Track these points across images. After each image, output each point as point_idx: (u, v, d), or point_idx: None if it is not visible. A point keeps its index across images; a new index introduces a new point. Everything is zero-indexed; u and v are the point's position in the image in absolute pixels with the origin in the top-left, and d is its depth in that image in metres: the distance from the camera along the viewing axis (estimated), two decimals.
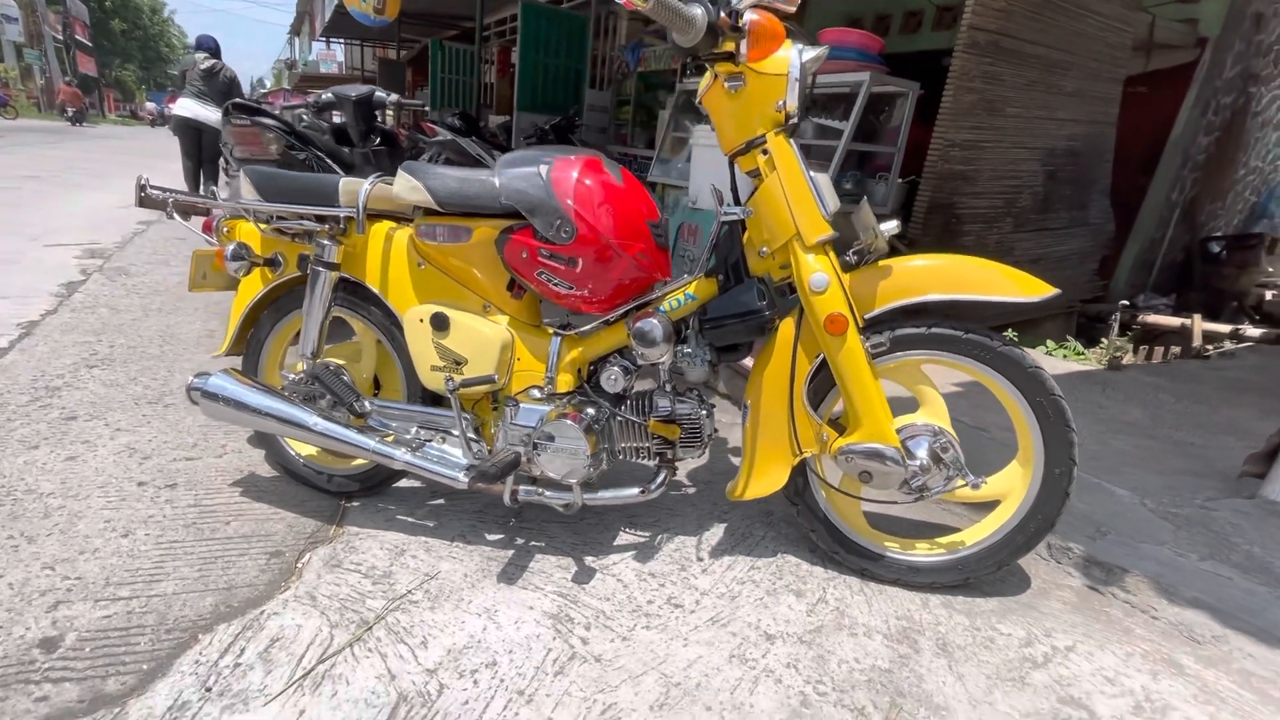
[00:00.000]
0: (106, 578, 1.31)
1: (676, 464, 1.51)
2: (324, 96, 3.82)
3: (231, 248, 1.55)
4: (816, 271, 1.30)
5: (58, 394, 2.06)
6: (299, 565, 1.44)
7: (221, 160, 6.36)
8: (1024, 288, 1.28)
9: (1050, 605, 1.42)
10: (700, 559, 1.52)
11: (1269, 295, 6.12)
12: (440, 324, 1.47)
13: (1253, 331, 4.76)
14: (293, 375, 1.62)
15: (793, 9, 1.21)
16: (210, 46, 6.07)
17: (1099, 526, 1.61)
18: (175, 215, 1.67)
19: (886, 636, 1.30)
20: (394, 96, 3.93)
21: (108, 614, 1.22)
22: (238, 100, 2.92)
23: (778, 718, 1.09)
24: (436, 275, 1.53)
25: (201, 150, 6.28)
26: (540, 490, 1.46)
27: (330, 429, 1.51)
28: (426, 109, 5.02)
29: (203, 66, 6.00)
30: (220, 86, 6.20)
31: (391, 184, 1.52)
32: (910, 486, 1.35)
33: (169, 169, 8.33)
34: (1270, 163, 6.43)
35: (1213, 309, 5.54)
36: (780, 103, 1.29)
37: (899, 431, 1.35)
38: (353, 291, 1.61)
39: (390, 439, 1.56)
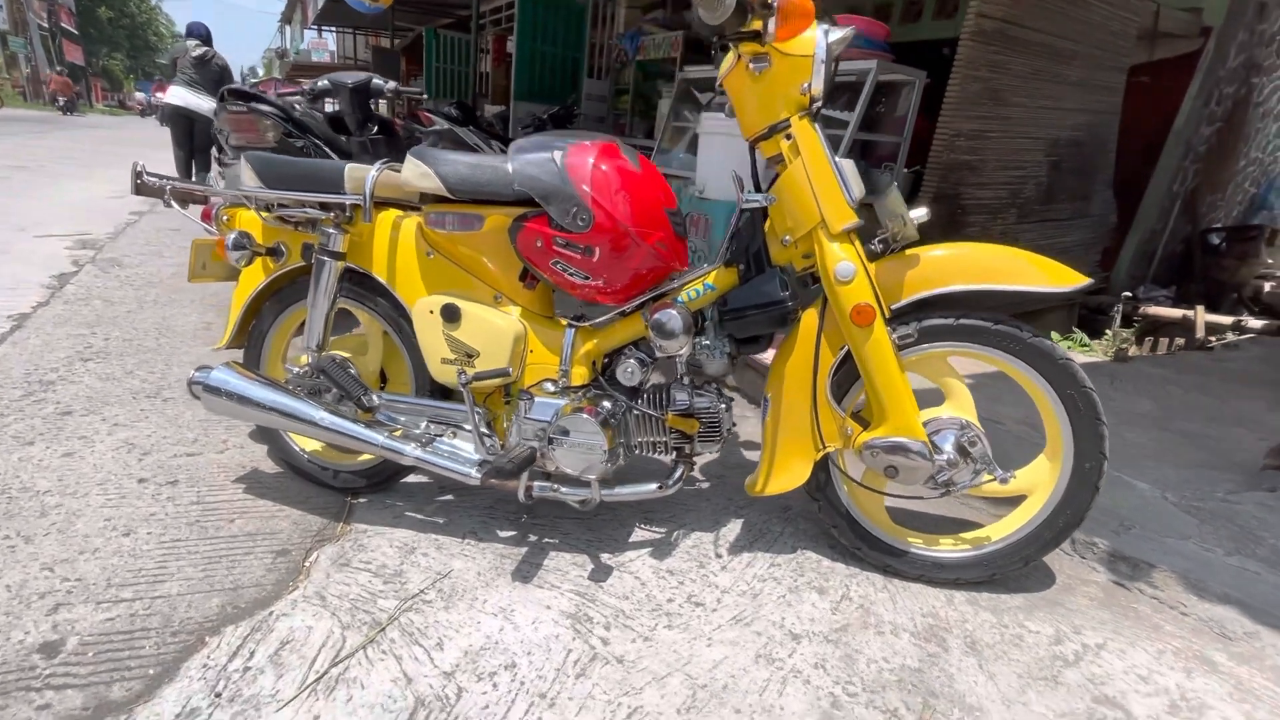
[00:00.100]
0: (108, 579, 1.27)
1: (694, 459, 1.47)
2: (319, 84, 3.74)
3: (232, 237, 1.50)
4: (842, 260, 1.26)
5: (52, 388, 2.00)
6: (306, 564, 1.40)
7: (214, 150, 6.27)
8: (1055, 277, 1.24)
9: (1077, 601, 1.39)
10: (719, 555, 1.49)
11: (1268, 287, 6.12)
12: (451, 316, 1.43)
13: (1254, 323, 4.76)
14: (297, 369, 1.57)
15: None
16: (201, 34, 5.96)
17: (1122, 521, 1.58)
18: (173, 203, 1.62)
19: (914, 634, 1.27)
20: (391, 84, 3.86)
21: (110, 616, 1.18)
22: (233, 86, 2.85)
23: None
24: (446, 265, 1.48)
25: (193, 140, 6.19)
26: (556, 486, 1.42)
27: (338, 424, 1.46)
28: (425, 96, 4.93)
29: (194, 54, 5.89)
30: (212, 74, 6.10)
31: (399, 170, 1.47)
32: (936, 481, 1.32)
33: (160, 159, 8.21)
34: (1270, 154, 6.42)
35: (1212, 300, 5.54)
36: (805, 85, 1.25)
37: (925, 425, 1.31)
38: (358, 282, 1.56)
39: (398, 434, 1.51)
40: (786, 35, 1.17)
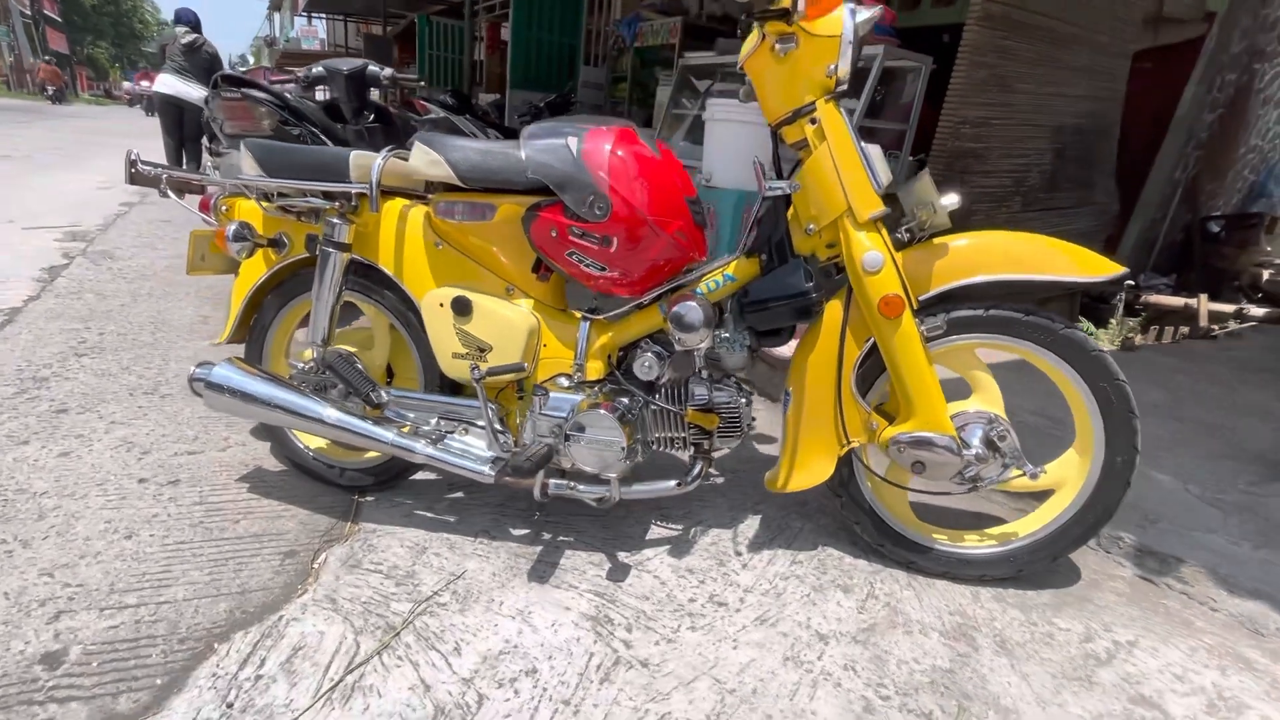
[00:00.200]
0: (111, 584, 1.22)
1: (713, 455, 1.43)
2: (314, 71, 3.66)
3: (233, 228, 1.44)
4: (869, 250, 1.22)
5: (46, 385, 1.94)
6: (315, 566, 1.36)
7: (205, 139, 6.15)
8: (1089, 266, 1.21)
9: (1105, 597, 1.37)
10: (739, 553, 1.46)
11: (1267, 275, 6.12)
12: (462, 309, 1.38)
13: (1256, 311, 4.75)
14: (302, 364, 1.52)
15: None
16: (190, 20, 5.84)
17: (1147, 514, 1.55)
18: (169, 192, 1.56)
19: (943, 634, 1.24)
20: (388, 71, 3.78)
21: (114, 624, 1.14)
22: (227, 73, 2.77)
23: None
24: (455, 256, 1.43)
25: (183, 128, 6.07)
26: (572, 484, 1.38)
27: (345, 421, 1.41)
28: (422, 84, 4.84)
29: (183, 41, 5.77)
30: (202, 62, 5.98)
31: (406, 157, 1.41)
32: (963, 477, 1.29)
33: (149, 149, 8.05)
34: (1270, 141, 6.39)
35: (1211, 288, 5.53)
36: (831, 67, 1.20)
37: (952, 419, 1.28)
38: (364, 274, 1.51)
39: (408, 430, 1.47)
40: (816, 14, 1.12)
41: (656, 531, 1.53)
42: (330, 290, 1.45)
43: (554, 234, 1.31)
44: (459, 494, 1.64)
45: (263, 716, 0.99)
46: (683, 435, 1.40)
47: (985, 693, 1.11)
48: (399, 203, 1.47)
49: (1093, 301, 5.18)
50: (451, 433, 1.48)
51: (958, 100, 3.85)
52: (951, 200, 1.23)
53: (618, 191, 1.26)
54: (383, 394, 1.48)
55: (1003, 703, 1.09)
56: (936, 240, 1.27)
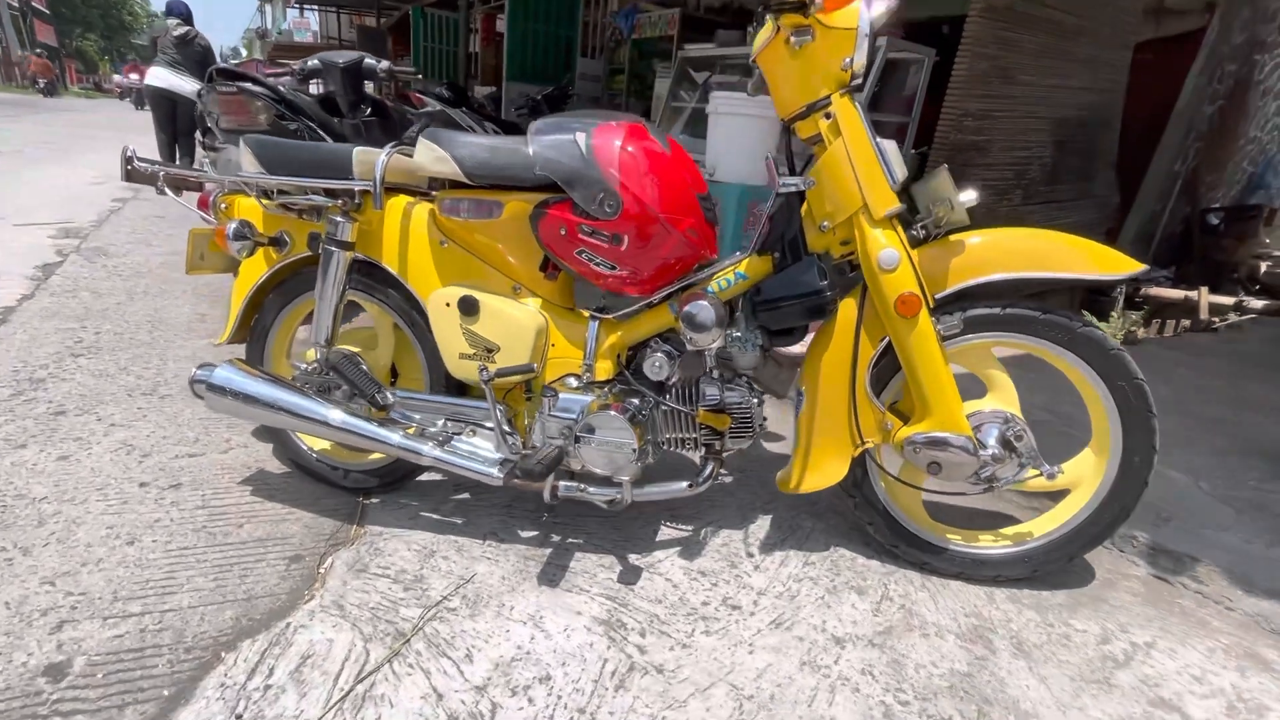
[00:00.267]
0: (114, 592, 1.20)
1: (724, 455, 1.41)
2: (309, 64, 3.60)
3: (233, 226, 1.41)
4: (885, 248, 1.20)
5: (43, 386, 1.91)
6: (321, 570, 1.33)
7: (198, 134, 6.07)
8: (1107, 264, 1.19)
9: (1120, 597, 1.36)
10: (750, 554, 1.44)
11: (1264, 266, 6.12)
12: (469, 308, 1.35)
13: (1255, 303, 4.75)
14: (305, 365, 1.49)
15: None
16: (182, 12, 5.75)
17: (1159, 512, 1.54)
18: (167, 190, 1.53)
19: (959, 636, 1.23)
20: (384, 64, 3.72)
21: (119, 633, 1.11)
22: (222, 66, 2.72)
23: None
24: (461, 254, 1.41)
25: (176, 122, 6.00)
26: (583, 486, 1.36)
27: (351, 424, 1.39)
28: (420, 76, 4.78)
29: (175, 33, 5.69)
30: (195, 55, 5.90)
31: (410, 153, 1.38)
32: (979, 477, 1.27)
33: (142, 144, 7.95)
34: (1269, 133, 6.38)
35: (1210, 281, 5.52)
36: (847, 60, 1.17)
37: (968, 418, 1.26)
38: (367, 273, 1.48)
39: (414, 432, 1.44)
40: (834, 6, 1.09)
41: (666, 532, 1.52)
42: (333, 290, 1.42)
43: (563, 232, 1.28)
44: (465, 495, 1.62)
45: None
46: (694, 436, 1.38)
47: (1004, 696, 1.10)
48: (402, 199, 1.44)
49: (1092, 294, 5.18)
50: (459, 434, 1.45)
51: (959, 92, 3.83)
52: (970, 196, 1.21)
53: (629, 188, 1.23)
54: (388, 395, 1.45)
55: (1022, 707, 1.08)
56: (953, 237, 1.25)
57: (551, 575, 1.35)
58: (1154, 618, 1.30)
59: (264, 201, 1.47)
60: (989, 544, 1.38)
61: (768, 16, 1.19)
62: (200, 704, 1.00)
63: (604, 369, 1.38)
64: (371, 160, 1.36)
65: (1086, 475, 1.32)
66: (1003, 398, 1.31)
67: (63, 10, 41.22)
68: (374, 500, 1.58)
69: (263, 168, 1.41)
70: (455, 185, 1.36)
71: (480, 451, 1.42)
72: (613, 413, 1.30)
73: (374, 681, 1.07)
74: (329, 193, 1.39)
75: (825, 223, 1.25)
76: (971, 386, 1.31)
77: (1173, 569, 1.42)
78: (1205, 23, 5.14)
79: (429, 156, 1.32)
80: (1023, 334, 1.25)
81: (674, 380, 1.38)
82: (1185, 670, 1.17)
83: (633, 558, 1.42)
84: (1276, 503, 1.64)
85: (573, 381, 1.39)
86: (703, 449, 1.40)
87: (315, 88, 3.59)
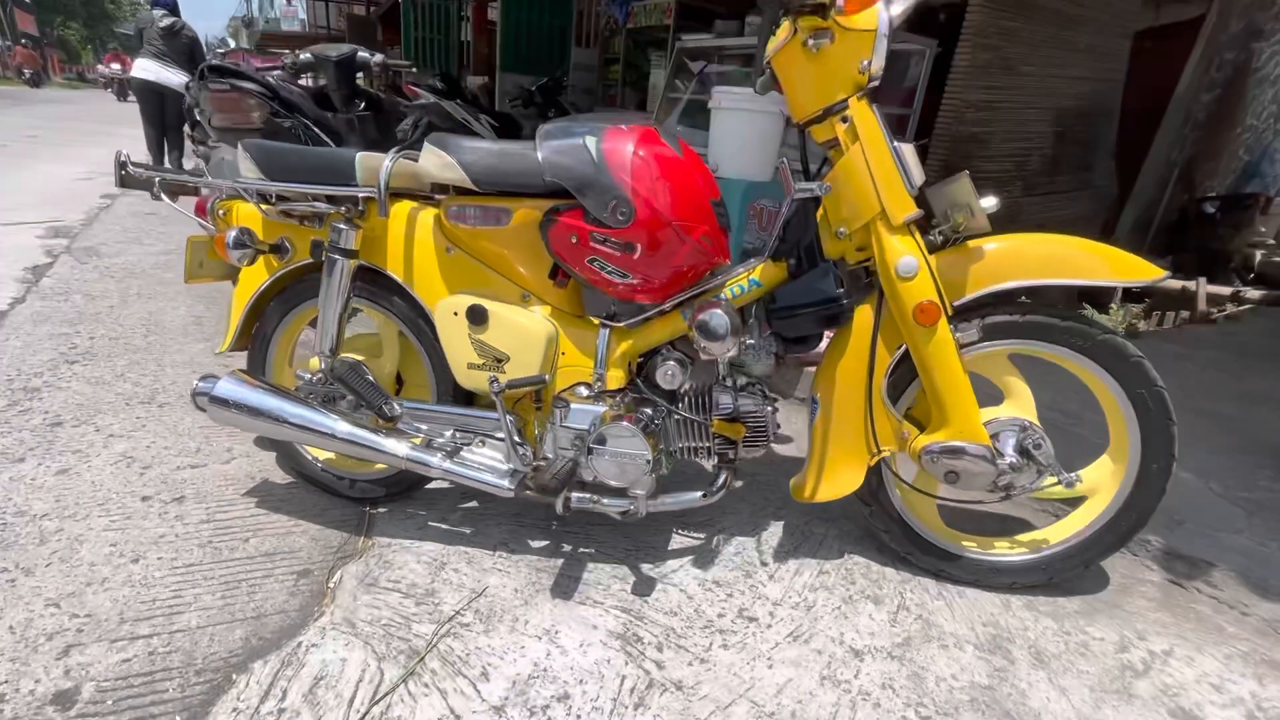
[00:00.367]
0: (120, 613, 1.17)
1: (737, 464, 1.40)
2: (301, 57, 3.54)
3: (233, 234, 1.38)
4: (904, 255, 1.18)
5: (38, 396, 1.87)
6: (330, 585, 1.31)
7: (186, 127, 5.97)
8: (1128, 270, 1.17)
9: (1135, 603, 1.35)
10: (765, 563, 1.43)
11: (1259, 255, 6.13)
12: (477, 318, 1.33)
13: (1253, 294, 4.76)
14: (309, 374, 1.46)
15: None
16: (168, 3, 5.64)
17: (1172, 515, 1.54)
18: (163, 196, 1.49)
19: (978, 647, 1.22)
20: (378, 57, 3.66)
21: (127, 657, 1.09)
22: (214, 62, 2.65)
23: None
24: (468, 262, 1.38)
25: (164, 116, 5.89)
26: (596, 498, 1.34)
27: (359, 436, 1.36)
28: (414, 70, 4.70)
29: (162, 25, 5.57)
30: (182, 46, 5.79)
31: (415, 158, 1.35)
32: (997, 485, 1.26)
33: (130, 136, 7.81)
34: (1265, 121, 6.37)
35: (1206, 270, 5.53)
36: (865, 63, 1.15)
37: (984, 426, 1.24)
38: (371, 280, 1.45)
39: (422, 442, 1.42)
40: (855, 9, 1.06)
41: (679, 541, 1.50)
42: (337, 298, 1.39)
43: (574, 240, 1.26)
44: (473, 503, 1.60)
45: None
46: (707, 445, 1.36)
47: (1026, 710, 1.09)
48: (406, 205, 1.41)
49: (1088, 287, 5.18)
50: (468, 444, 1.43)
51: (961, 83, 3.80)
52: (990, 203, 1.19)
53: (642, 195, 1.20)
54: (395, 406, 1.42)
55: (1044, 719, 1.07)
56: (970, 243, 1.23)
57: (565, 587, 1.33)
58: (1170, 624, 1.30)
59: (263, 207, 1.43)
60: (1005, 551, 1.37)
61: (784, 19, 1.16)
62: None
63: (615, 378, 1.36)
64: (375, 166, 1.32)
65: (1104, 482, 1.31)
66: (1020, 405, 1.29)
67: None
68: (381, 510, 1.56)
69: (262, 173, 1.37)
70: (461, 191, 1.33)
71: (490, 462, 1.40)
72: (625, 424, 1.28)
73: (389, 703, 1.05)
74: (331, 199, 1.35)
75: (842, 229, 1.23)
76: (986, 389, 1.30)
77: (1187, 574, 1.41)
78: (1204, 11, 5.11)
79: (435, 163, 1.29)
80: (1041, 341, 1.24)
81: (687, 388, 1.36)
82: (1204, 679, 1.17)
83: (645, 567, 1.40)
84: None
85: (583, 390, 1.36)
86: (715, 457, 1.38)
87: (305, 80, 3.52)
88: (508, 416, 1.35)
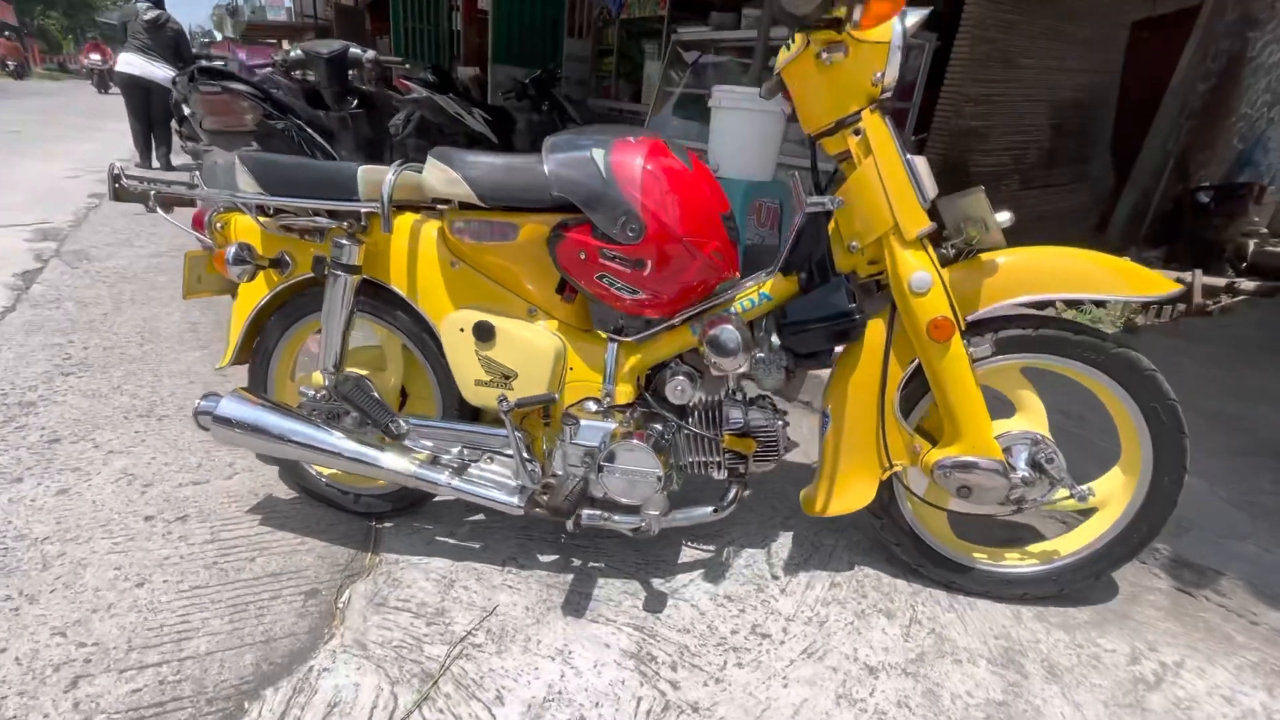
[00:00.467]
0: (128, 640, 1.16)
1: (748, 478, 1.39)
2: (292, 54, 3.48)
3: (233, 250, 1.35)
4: (918, 270, 1.17)
5: (34, 411, 1.84)
6: (339, 605, 1.30)
7: (174, 122, 5.87)
8: (1142, 284, 1.17)
9: (1145, 613, 1.36)
10: (776, 576, 1.42)
11: (1252, 245, 6.15)
12: (484, 334, 1.31)
13: (1248, 285, 4.78)
14: (313, 391, 1.44)
15: None
16: None
17: (1179, 521, 1.54)
18: (159, 209, 1.46)
19: (991, 661, 1.22)
20: (370, 53, 3.62)
21: (137, 687, 1.08)
22: (205, 65, 2.60)
23: None
24: (473, 276, 1.35)
25: (151, 110, 5.80)
26: (607, 515, 1.33)
27: (366, 454, 1.35)
28: (407, 66, 4.64)
29: (146, 17, 5.47)
30: (167, 40, 5.69)
31: (418, 171, 1.32)
32: (1009, 499, 1.26)
33: (116, 130, 7.67)
34: (1258, 110, 6.38)
35: (1199, 260, 5.54)
36: (878, 75, 1.13)
37: (996, 439, 1.24)
38: (374, 294, 1.43)
39: (428, 458, 1.40)
40: (871, 24, 1.04)
41: (688, 554, 1.50)
42: (341, 314, 1.37)
43: (582, 256, 1.24)
44: (479, 516, 1.59)
45: None
46: (718, 459, 1.35)
47: None
48: (409, 218, 1.38)
49: None
50: (475, 461, 1.42)
51: (959, 77, 3.77)
52: (1005, 217, 1.17)
53: (652, 210, 1.18)
54: (402, 424, 1.41)
55: None
56: (985, 256, 1.22)
57: (576, 604, 1.33)
58: (1180, 634, 1.31)
59: (262, 220, 1.40)
60: (1016, 562, 1.37)
61: (797, 33, 1.14)
62: None
63: (624, 392, 1.34)
64: (378, 180, 1.30)
65: (1115, 494, 1.31)
66: (1031, 418, 1.29)
67: None
68: (387, 525, 1.55)
69: (261, 187, 1.34)
70: (465, 205, 1.30)
71: (499, 479, 1.38)
72: (636, 441, 1.27)
73: None
74: (332, 214, 1.33)
75: (854, 243, 1.22)
76: (997, 399, 1.29)
77: (1195, 582, 1.42)
78: (1200, 0, 5.09)
79: (439, 178, 1.26)
80: (1054, 355, 1.23)
81: (696, 402, 1.35)
82: (1215, 691, 1.18)
83: (656, 582, 1.40)
84: None
85: (592, 405, 1.35)
86: (725, 472, 1.37)
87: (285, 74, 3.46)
88: (516, 433, 1.34)
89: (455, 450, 1.42)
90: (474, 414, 1.47)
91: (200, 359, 2.25)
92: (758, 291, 1.30)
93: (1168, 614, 1.36)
